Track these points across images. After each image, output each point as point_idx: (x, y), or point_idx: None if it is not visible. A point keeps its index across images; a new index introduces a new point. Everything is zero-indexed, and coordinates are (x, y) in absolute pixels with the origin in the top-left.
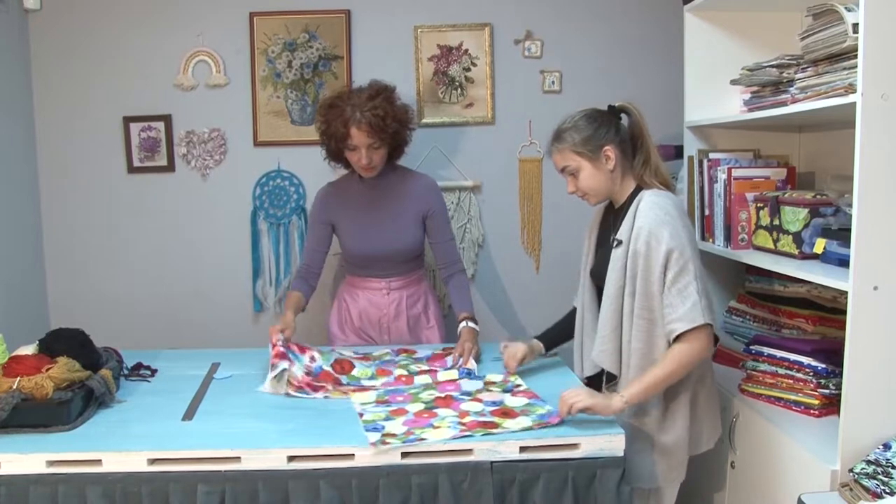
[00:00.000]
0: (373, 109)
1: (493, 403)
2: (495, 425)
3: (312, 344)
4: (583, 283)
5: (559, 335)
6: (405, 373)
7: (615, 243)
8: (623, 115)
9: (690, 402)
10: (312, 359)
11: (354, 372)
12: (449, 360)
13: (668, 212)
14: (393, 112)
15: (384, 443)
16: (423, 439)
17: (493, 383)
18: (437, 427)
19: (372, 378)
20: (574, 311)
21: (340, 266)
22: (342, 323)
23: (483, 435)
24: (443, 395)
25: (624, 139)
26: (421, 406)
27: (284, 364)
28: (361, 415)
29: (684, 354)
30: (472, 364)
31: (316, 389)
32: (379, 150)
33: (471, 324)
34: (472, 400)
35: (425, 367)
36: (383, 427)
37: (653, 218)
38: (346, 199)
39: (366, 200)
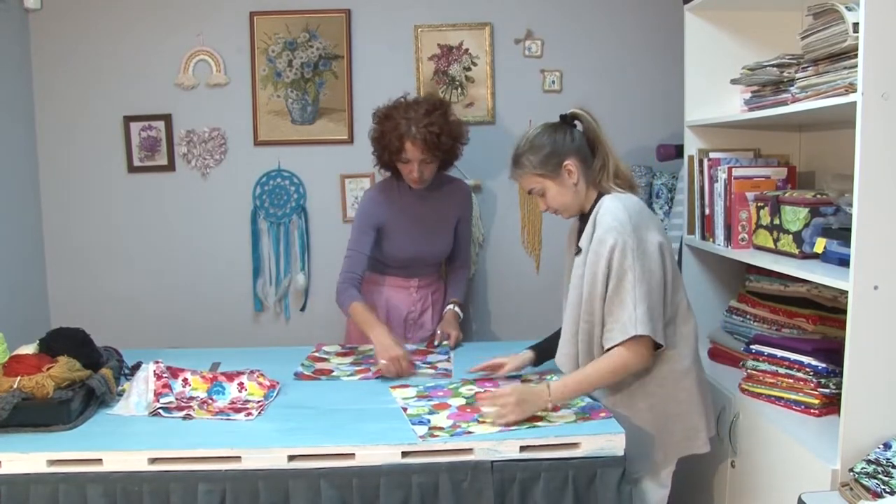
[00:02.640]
0: (428, 126)
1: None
2: (539, 419)
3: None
4: (565, 295)
5: (550, 347)
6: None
7: (577, 251)
8: (577, 123)
9: (663, 397)
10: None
11: (335, 373)
12: (429, 359)
13: (618, 217)
14: (448, 128)
15: (432, 436)
16: (470, 432)
17: (529, 381)
18: (483, 422)
19: (351, 376)
20: None
21: None
22: (394, 323)
23: (528, 428)
24: (482, 390)
25: (581, 148)
26: (462, 401)
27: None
28: (405, 409)
29: (617, 362)
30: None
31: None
32: (430, 165)
33: (457, 308)
34: None
35: None
36: (429, 420)
37: (603, 225)
38: (393, 204)
39: (412, 207)
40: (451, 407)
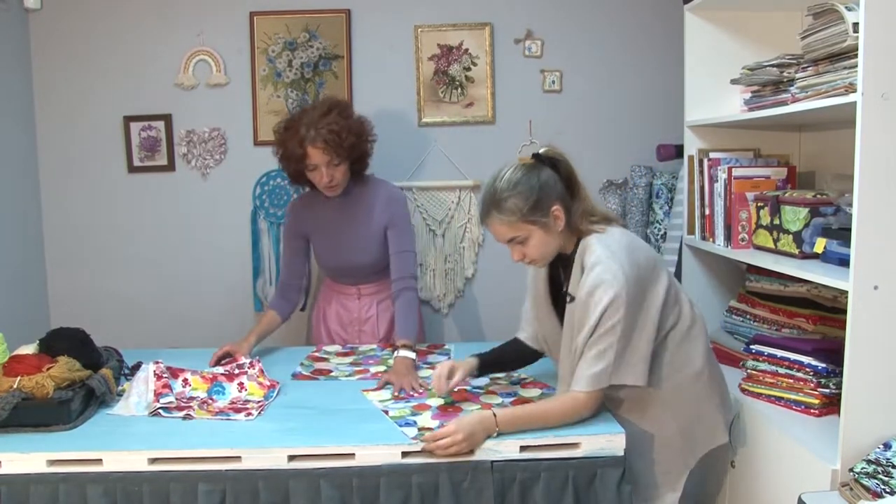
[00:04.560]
0: (327, 126)
1: (510, 395)
2: None
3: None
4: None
5: (496, 362)
6: (383, 368)
7: (569, 298)
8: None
9: (683, 405)
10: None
11: (333, 373)
12: (429, 359)
13: (608, 266)
14: (348, 126)
15: (424, 438)
16: None
17: (499, 378)
18: None
19: (349, 376)
20: (514, 342)
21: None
22: (318, 324)
23: None
24: (456, 389)
25: (562, 190)
26: (441, 401)
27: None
28: (386, 412)
29: (573, 408)
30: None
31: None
32: (339, 167)
33: (404, 352)
34: (486, 393)
35: None
36: (415, 422)
37: (594, 276)
38: (315, 213)
39: (332, 215)
40: (432, 407)
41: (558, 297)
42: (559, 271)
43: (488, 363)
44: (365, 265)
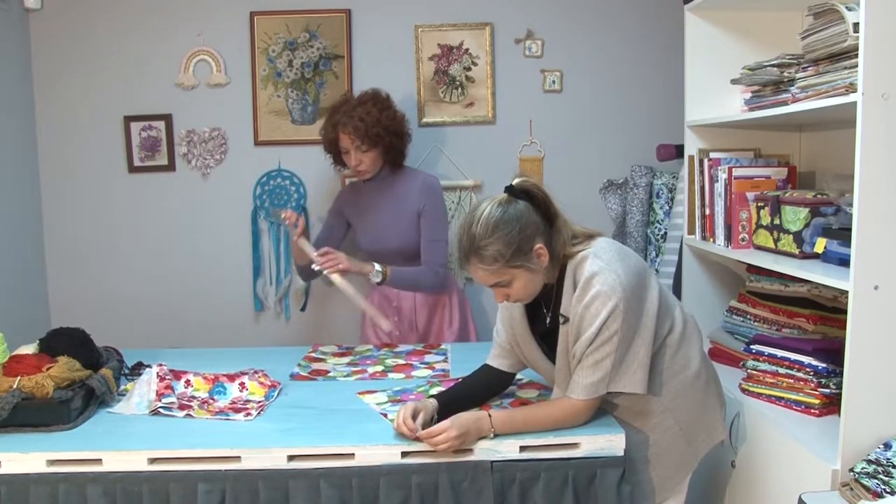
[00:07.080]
0: (359, 115)
1: (508, 395)
2: None
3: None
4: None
5: (462, 398)
6: (381, 368)
7: (562, 320)
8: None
9: (684, 408)
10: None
11: (331, 374)
12: (426, 359)
13: (604, 278)
14: (379, 117)
15: None
16: None
17: None
18: None
19: (347, 377)
20: (485, 371)
21: None
22: (382, 311)
23: None
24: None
25: (540, 223)
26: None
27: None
28: (385, 415)
29: (570, 414)
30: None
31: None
32: (368, 154)
33: (378, 266)
34: None
35: (402, 362)
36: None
37: (591, 288)
38: (356, 198)
39: (370, 200)
40: None
41: (535, 320)
42: (540, 301)
43: (454, 400)
44: (398, 250)
